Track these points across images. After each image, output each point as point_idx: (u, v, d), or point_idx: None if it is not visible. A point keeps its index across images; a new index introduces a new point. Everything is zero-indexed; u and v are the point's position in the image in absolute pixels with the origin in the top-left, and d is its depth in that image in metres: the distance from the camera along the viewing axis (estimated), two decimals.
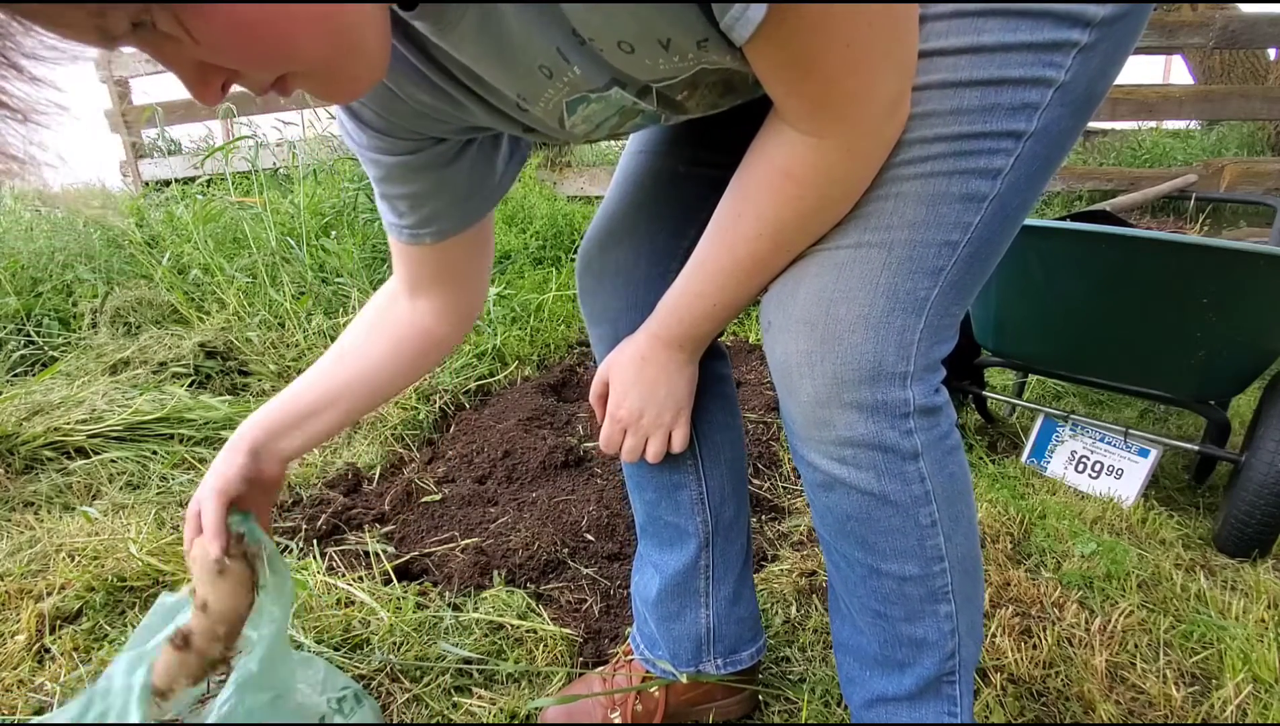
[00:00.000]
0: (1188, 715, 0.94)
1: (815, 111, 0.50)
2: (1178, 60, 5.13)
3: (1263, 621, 1.10)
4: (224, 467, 0.72)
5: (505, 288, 2.47)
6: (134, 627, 0.79)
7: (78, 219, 2.88)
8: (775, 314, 0.60)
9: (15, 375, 2.11)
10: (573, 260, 2.94)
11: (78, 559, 1.19)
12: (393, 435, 1.74)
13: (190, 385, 1.95)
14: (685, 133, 0.77)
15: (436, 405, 1.89)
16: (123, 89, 4.42)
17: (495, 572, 1.19)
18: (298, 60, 0.41)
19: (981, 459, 1.64)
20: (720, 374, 0.81)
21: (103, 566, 1.15)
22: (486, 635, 1.05)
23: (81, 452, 1.59)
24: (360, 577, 1.17)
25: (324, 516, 1.35)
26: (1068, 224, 1.34)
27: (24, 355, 2.19)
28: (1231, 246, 1.18)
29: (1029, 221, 1.30)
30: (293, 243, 2.47)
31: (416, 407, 1.85)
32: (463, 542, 1.27)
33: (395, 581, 1.16)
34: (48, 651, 1.01)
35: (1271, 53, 4.03)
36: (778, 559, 1.26)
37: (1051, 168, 0.57)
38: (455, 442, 1.71)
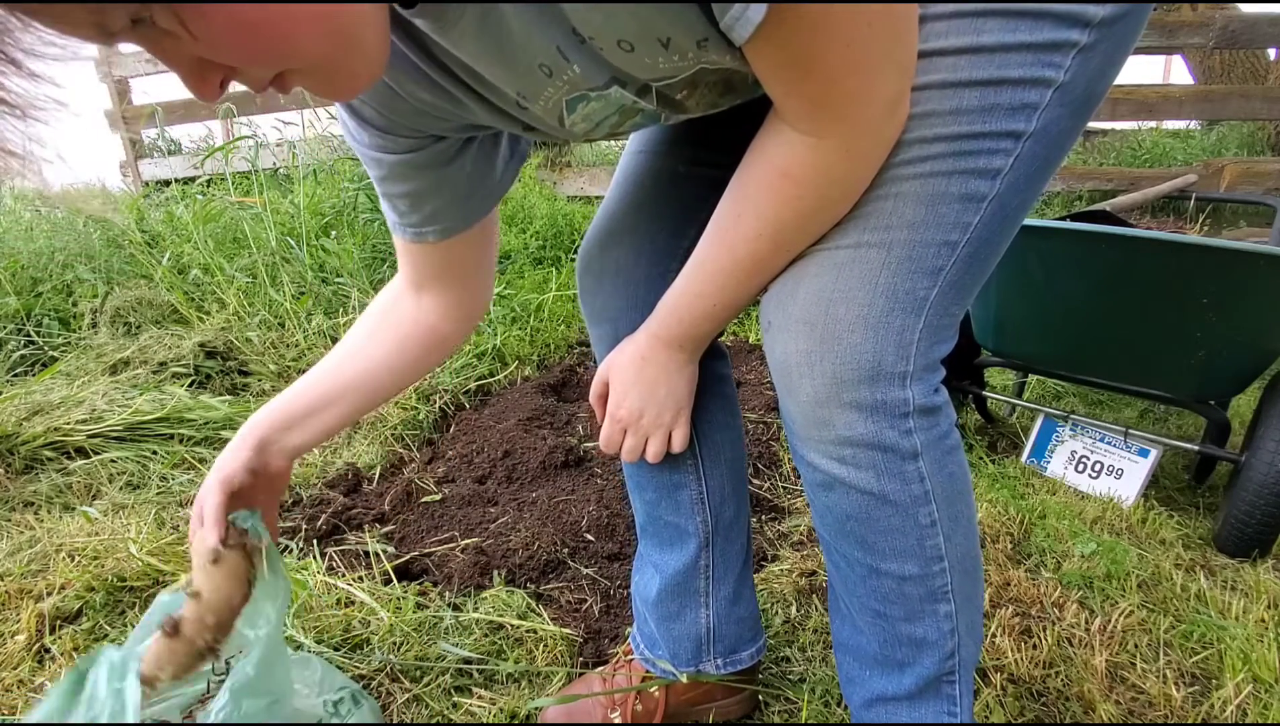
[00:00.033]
0: (1188, 715, 0.94)
1: (815, 111, 0.50)
2: (1178, 60, 5.13)
3: (1263, 621, 1.10)
4: (228, 460, 0.72)
5: (505, 288, 2.47)
6: (134, 627, 0.79)
7: (78, 219, 2.88)
8: (775, 314, 0.60)
9: (15, 375, 2.11)
10: (573, 260, 2.94)
11: (78, 559, 1.19)
12: (393, 435, 1.74)
13: (190, 385, 1.95)
14: (685, 133, 0.77)
15: (436, 405, 1.89)
16: (123, 89, 4.42)
17: (495, 572, 1.19)
18: (297, 57, 0.41)
19: (981, 459, 1.64)
20: (720, 374, 0.81)
21: (103, 566, 1.15)
22: (486, 635, 1.05)
23: (81, 452, 1.59)
24: (360, 577, 1.17)
25: (324, 516, 1.35)
26: (1068, 224, 1.34)
27: (24, 355, 2.19)
28: (1231, 246, 1.18)
29: (1029, 221, 1.30)
30: (293, 243, 2.47)
31: (416, 408, 1.85)
32: (463, 542, 1.27)
33: (395, 581, 1.16)
34: (48, 651, 1.01)
35: (1271, 53, 4.03)
36: (778, 559, 1.26)
37: (1051, 168, 0.57)
38: (455, 442, 1.72)
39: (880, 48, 0.47)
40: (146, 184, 4.43)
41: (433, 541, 1.29)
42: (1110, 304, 1.33)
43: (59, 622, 1.07)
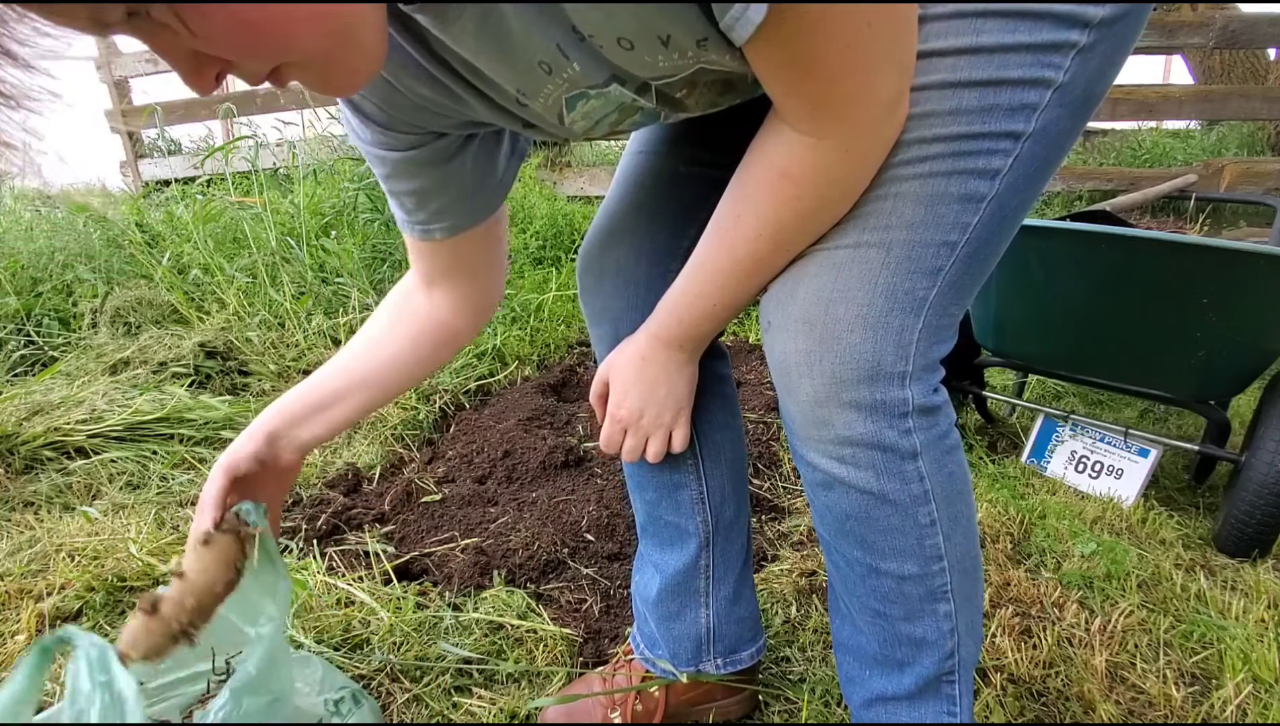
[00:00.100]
0: (1188, 715, 0.94)
1: (814, 112, 0.50)
2: (1178, 60, 5.13)
3: (1263, 621, 1.10)
4: (236, 447, 0.73)
5: (505, 287, 2.47)
6: None
7: (78, 218, 2.88)
8: (774, 313, 0.60)
9: (15, 375, 2.11)
10: (573, 260, 2.94)
11: (78, 559, 1.19)
12: (393, 435, 1.74)
13: (190, 385, 1.95)
14: (685, 132, 0.77)
15: (436, 405, 1.89)
16: (123, 89, 4.42)
17: (495, 572, 1.19)
18: (294, 52, 0.41)
19: (981, 459, 1.64)
20: (720, 373, 0.81)
21: (103, 566, 1.15)
22: (486, 635, 1.05)
23: (81, 452, 1.59)
24: (360, 577, 1.17)
25: (324, 516, 1.35)
26: (1068, 224, 1.34)
27: (24, 355, 2.19)
28: (1231, 246, 1.18)
29: (1029, 221, 1.31)
30: (293, 243, 2.47)
31: (416, 408, 1.85)
32: (463, 542, 1.27)
33: (395, 581, 1.16)
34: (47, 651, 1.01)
35: (1271, 53, 4.03)
36: (778, 559, 1.26)
37: (1050, 168, 0.57)
38: (455, 442, 1.72)
39: (880, 48, 0.47)
40: (146, 184, 4.43)
41: (433, 541, 1.29)
42: (1110, 304, 1.33)
43: (59, 622, 1.07)
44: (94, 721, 0.53)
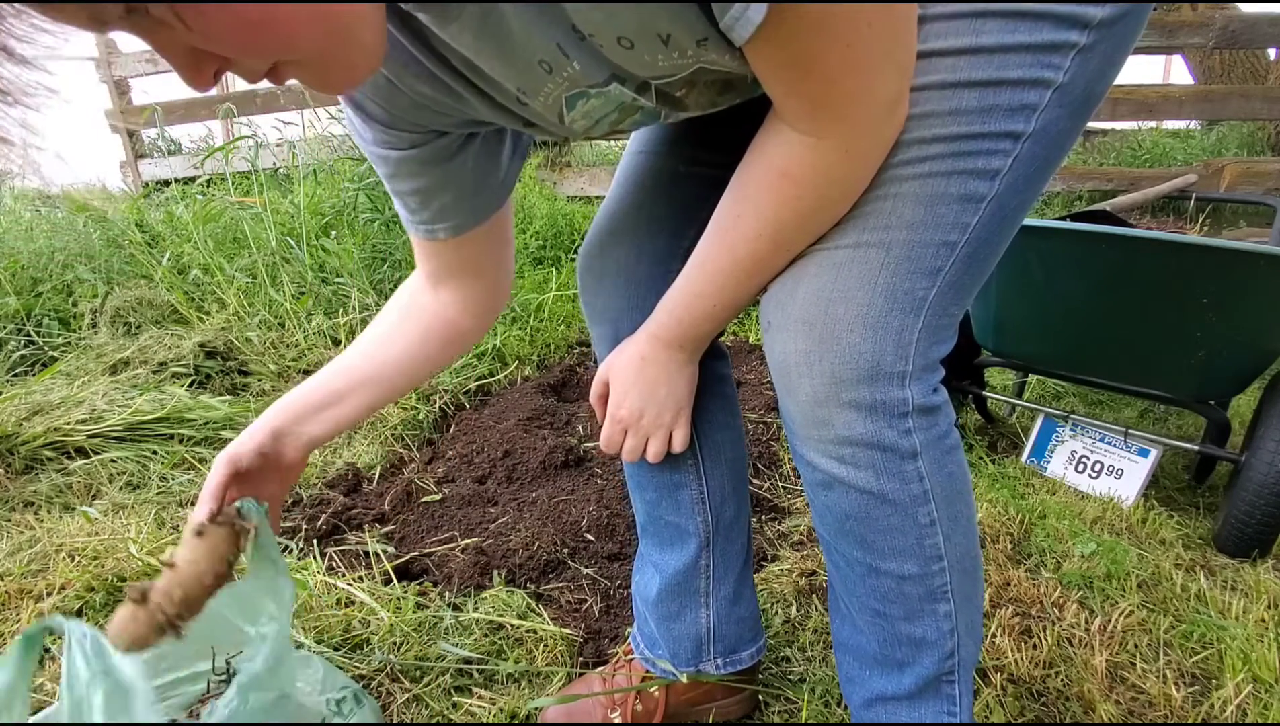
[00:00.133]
0: (1188, 715, 0.94)
1: (814, 112, 0.50)
2: (1178, 60, 5.13)
3: (1263, 621, 1.10)
4: (240, 441, 0.73)
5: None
6: None
7: (78, 219, 2.88)
8: (774, 313, 0.60)
9: (15, 375, 2.11)
10: (573, 260, 2.94)
11: (78, 559, 1.19)
12: (393, 435, 1.74)
13: (190, 385, 1.95)
14: (685, 132, 0.77)
15: (436, 405, 1.89)
16: (123, 89, 4.42)
17: (495, 572, 1.19)
18: (294, 51, 0.41)
19: (981, 459, 1.64)
20: (721, 373, 0.81)
21: (103, 566, 1.15)
22: (486, 635, 1.05)
23: (81, 452, 1.59)
24: (360, 577, 1.17)
25: (324, 516, 1.35)
26: (1068, 224, 1.34)
27: (24, 355, 2.19)
28: (1231, 246, 1.18)
29: (1029, 221, 1.31)
30: (293, 243, 2.47)
31: (416, 408, 1.85)
32: (463, 542, 1.27)
33: (395, 581, 1.16)
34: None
35: (1271, 53, 4.03)
36: (778, 559, 1.26)
37: (1050, 168, 0.57)
38: (455, 442, 1.72)
39: (880, 48, 0.47)
40: (146, 184, 4.43)
41: (433, 541, 1.29)
42: (1110, 304, 1.33)
43: None
44: (98, 713, 0.51)
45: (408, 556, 1.24)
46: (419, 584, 1.17)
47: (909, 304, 0.55)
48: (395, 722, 0.91)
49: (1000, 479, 1.54)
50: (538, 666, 1.00)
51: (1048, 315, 1.44)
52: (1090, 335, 1.41)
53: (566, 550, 1.26)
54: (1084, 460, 1.54)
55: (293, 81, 0.45)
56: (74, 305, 2.44)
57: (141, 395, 1.77)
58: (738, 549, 0.85)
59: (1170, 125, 4.49)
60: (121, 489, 1.50)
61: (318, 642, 1.01)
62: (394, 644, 1.02)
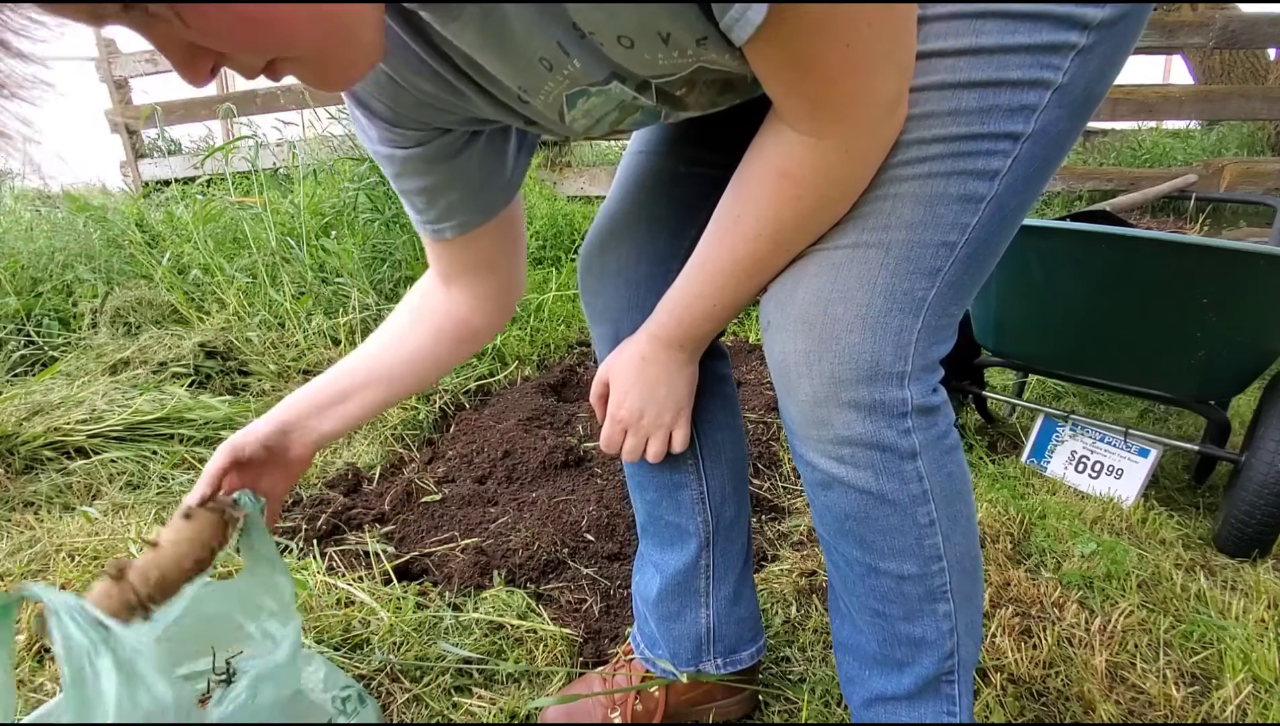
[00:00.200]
0: (1188, 715, 0.94)
1: (814, 112, 0.50)
2: (1178, 60, 5.14)
3: (1263, 621, 1.10)
4: (246, 430, 0.73)
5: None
6: None
7: (78, 219, 2.88)
8: (774, 313, 0.60)
9: (15, 375, 2.11)
10: (573, 260, 2.94)
11: (78, 559, 1.19)
12: (393, 435, 1.74)
13: (190, 385, 1.95)
14: (686, 132, 0.77)
15: (436, 405, 1.89)
16: (123, 88, 4.42)
17: (495, 572, 1.19)
18: (292, 48, 0.42)
19: (981, 459, 1.64)
20: (721, 373, 0.81)
21: (103, 566, 1.15)
22: (486, 635, 1.05)
23: (81, 452, 1.59)
24: (360, 577, 1.17)
25: (324, 516, 1.35)
26: (1068, 224, 1.34)
27: (24, 355, 2.19)
28: (1231, 246, 1.18)
29: (1029, 221, 1.31)
30: (293, 243, 2.47)
31: (416, 408, 1.85)
32: (463, 542, 1.27)
33: (395, 581, 1.16)
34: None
35: (1271, 53, 4.03)
36: (778, 559, 1.26)
37: (1050, 169, 0.57)
38: (455, 442, 1.72)
39: (880, 48, 0.47)
40: (146, 184, 4.43)
41: (433, 541, 1.29)
42: (1110, 304, 1.33)
43: None
44: (106, 678, 0.50)
45: (408, 556, 1.24)
46: (419, 584, 1.17)
47: (908, 304, 0.55)
48: (395, 722, 0.91)
49: (1000, 479, 1.54)
50: (538, 666, 1.00)
51: (1048, 315, 1.44)
52: (1090, 335, 1.41)
53: (566, 550, 1.26)
54: (1084, 460, 1.54)
55: (293, 81, 0.45)
56: (74, 305, 2.44)
57: (141, 395, 1.77)
58: (738, 549, 0.85)
59: (1170, 125, 4.49)
60: (121, 489, 1.50)
61: (318, 642, 1.01)
62: (394, 644, 1.02)
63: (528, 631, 1.06)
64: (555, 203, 3.42)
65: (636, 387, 0.69)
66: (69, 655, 0.49)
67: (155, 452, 1.63)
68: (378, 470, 1.60)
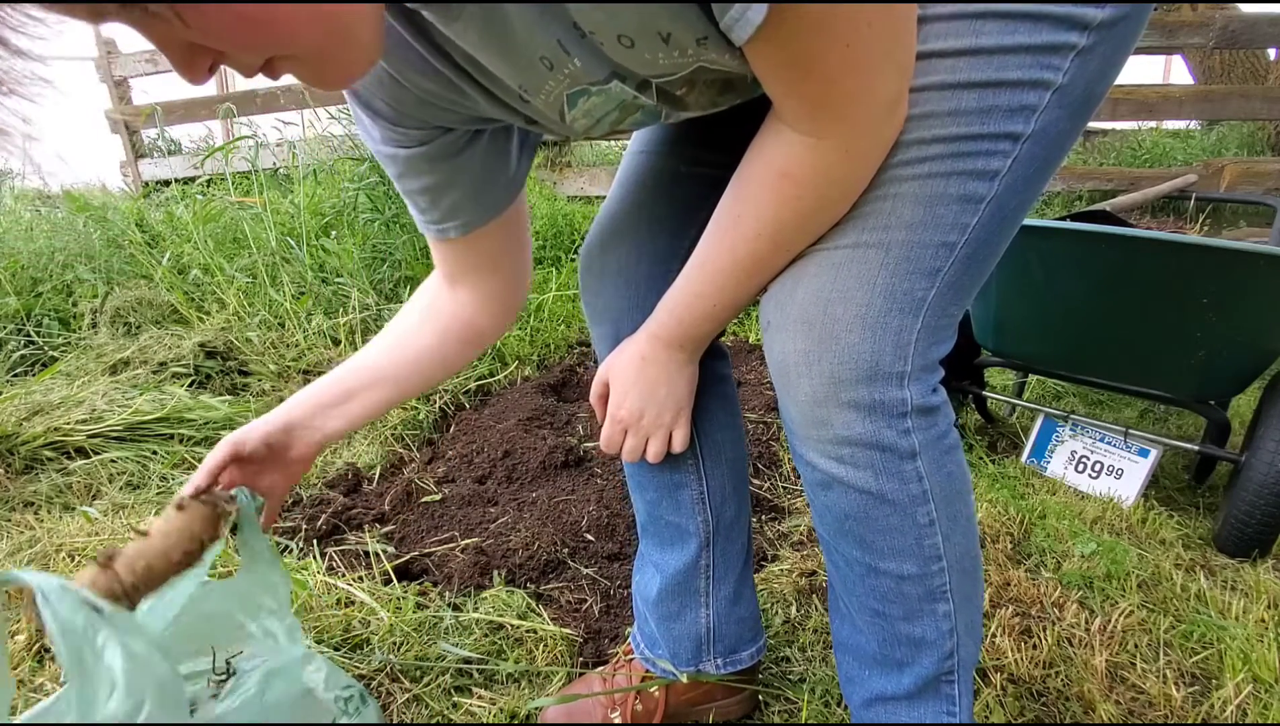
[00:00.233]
0: (1188, 715, 0.94)
1: (814, 112, 0.50)
2: (1178, 60, 5.13)
3: (1263, 621, 1.10)
4: (251, 425, 0.73)
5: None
6: None
7: (78, 219, 2.88)
8: (774, 313, 0.60)
9: (15, 375, 2.11)
10: (573, 260, 2.94)
11: (78, 559, 1.19)
12: (393, 435, 1.74)
13: (190, 385, 1.95)
14: (686, 132, 0.77)
15: (436, 405, 1.89)
16: (123, 89, 4.42)
17: (495, 572, 1.19)
18: (292, 47, 0.42)
19: (981, 459, 1.64)
20: (721, 373, 0.81)
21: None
22: (486, 635, 1.05)
23: (81, 452, 1.59)
24: (360, 577, 1.17)
25: (324, 516, 1.35)
26: (1068, 224, 1.34)
27: (24, 355, 2.19)
28: (1231, 246, 1.18)
29: (1029, 221, 1.31)
30: (293, 243, 2.47)
31: (416, 408, 1.85)
32: (463, 542, 1.27)
33: (395, 581, 1.16)
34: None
35: (1271, 53, 4.03)
36: (778, 559, 1.26)
37: (1050, 169, 0.57)
38: (455, 442, 1.72)
39: (880, 48, 0.47)
40: (146, 184, 4.43)
41: (433, 541, 1.29)
42: (1110, 304, 1.33)
43: None
44: (111, 654, 0.49)
45: (408, 556, 1.24)
46: (419, 584, 1.17)
47: (908, 304, 0.55)
48: (395, 723, 0.91)
49: (1000, 479, 1.54)
50: (538, 666, 1.00)
51: (1048, 315, 1.44)
52: (1090, 335, 1.41)
53: (566, 550, 1.26)
54: (1084, 460, 1.54)
55: (293, 81, 0.45)
56: (74, 305, 2.44)
57: (141, 395, 1.77)
58: (738, 549, 0.85)
59: (1170, 125, 4.49)
60: (121, 489, 1.50)
61: (318, 642, 1.01)
62: (394, 644, 1.02)
63: (528, 631, 1.06)
64: (555, 203, 3.42)
65: (636, 387, 0.69)
66: (65, 635, 0.49)
67: (155, 452, 1.63)
68: (378, 470, 1.60)
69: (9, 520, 1.37)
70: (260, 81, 0.44)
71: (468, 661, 0.99)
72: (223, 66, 0.43)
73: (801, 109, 0.50)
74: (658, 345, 0.68)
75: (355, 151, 2.90)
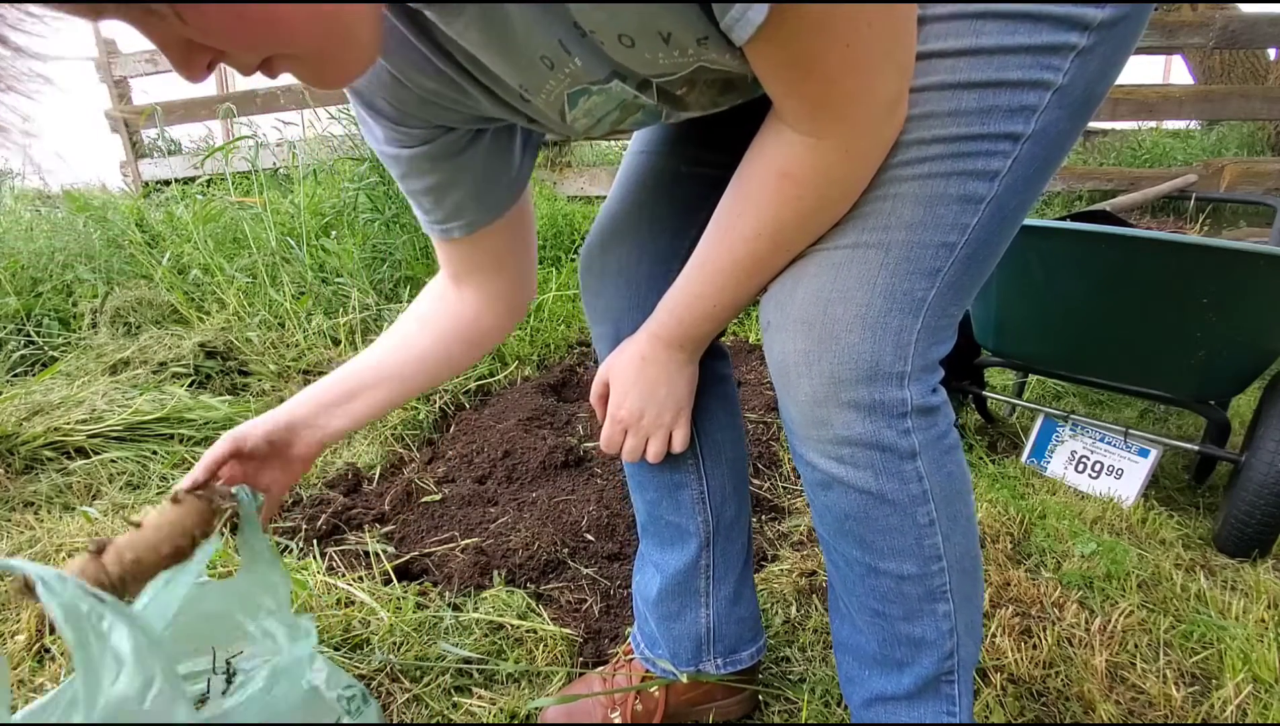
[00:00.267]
0: (1188, 715, 0.94)
1: (814, 112, 0.50)
2: (1178, 60, 5.13)
3: (1263, 621, 1.10)
4: (253, 422, 0.72)
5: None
6: None
7: (78, 219, 2.88)
8: (774, 313, 0.60)
9: (15, 375, 2.11)
10: (573, 260, 2.94)
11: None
12: (393, 435, 1.74)
13: (190, 385, 1.95)
14: (687, 132, 0.77)
15: (436, 405, 1.89)
16: (123, 89, 4.42)
17: (495, 572, 1.19)
18: (291, 46, 0.42)
19: (981, 459, 1.64)
20: (721, 373, 0.81)
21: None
22: (486, 635, 1.05)
23: (81, 452, 1.59)
24: (360, 577, 1.17)
25: (324, 516, 1.35)
26: (1068, 224, 1.34)
27: (24, 355, 2.19)
28: (1231, 246, 1.18)
29: (1029, 221, 1.31)
30: (293, 243, 2.47)
31: (416, 408, 1.85)
32: (463, 542, 1.27)
33: (395, 581, 1.16)
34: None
35: (1271, 53, 4.03)
36: (778, 559, 1.26)
37: (1050, 169, 0.57)
38: (455, 442, 1.72)
39: (880, 48, 0.47)
40: (146, 184, 4.43)
41: (433, 541, 1.29)
42: (1110, 304, 1.33)
43: None
44: (118, 636, 0.49)
45: (408, 556, 1.24)
46: (419, 584, 1.17)
47: (908, 304, 0.55)
48: (395, 723, 0.91)
49: (1000, 479, 1.54)
50: (538, 666, 1.00)
51: (1048, 315, 1.44)
52: (1090, 335, 1.41)
53: (566, 550, 1.26)
54: (1084, 460, 1.54)
55: (293, 81, 0.45)
56: (74, 305, 2.44)
57: (141, 395, 1.77)
58: (738, 549, 0.85)
59: (1170, 125, 4.49)
60: (121, 489, 1.50)
61: (318, 642, 1.01)
62: (394, 644, 1.02)
63: (528, 631, 1.06)
64: (555, 203, 3.42)
65: (637, 387, 0.69)
66: (69, 620, 0.49)
67: (155, 452, 1.63)
68: (378, 470, 1.60)
69: (9, 520, 1.37)
70: (260, 81, 0.44)
71: (468, 661, 0.99)
72: (223, 67, 0.43)
73: (802, 109, 0.51)
74: (658, 345, 0.68)
75: (355, 151, 2.90)
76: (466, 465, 1.59)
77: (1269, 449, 1.24)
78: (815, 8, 0.43)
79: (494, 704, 0.92)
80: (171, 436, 1.68)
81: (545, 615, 1.11)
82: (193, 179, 3.64)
